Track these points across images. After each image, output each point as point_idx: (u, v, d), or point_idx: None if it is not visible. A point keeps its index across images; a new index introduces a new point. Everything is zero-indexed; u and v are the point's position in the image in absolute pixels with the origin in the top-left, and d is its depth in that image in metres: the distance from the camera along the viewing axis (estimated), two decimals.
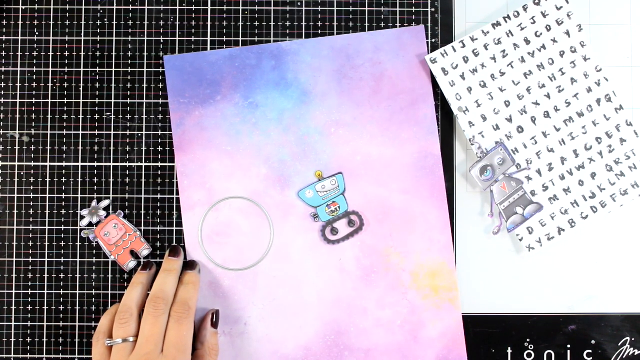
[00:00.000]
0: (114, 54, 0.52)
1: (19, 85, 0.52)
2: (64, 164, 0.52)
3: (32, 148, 0.52)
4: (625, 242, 0.53)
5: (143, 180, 0.52)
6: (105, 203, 0.52)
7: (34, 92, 0.52)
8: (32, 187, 0.52)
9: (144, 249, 0.52)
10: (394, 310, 0.52)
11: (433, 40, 0.53)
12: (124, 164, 0.52)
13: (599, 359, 0.52)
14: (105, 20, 0.52)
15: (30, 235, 0.52)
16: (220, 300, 0.51)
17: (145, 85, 0.52)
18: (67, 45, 0.52)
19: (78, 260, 0.52)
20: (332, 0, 0.53)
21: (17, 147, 0.52)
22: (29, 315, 0.51)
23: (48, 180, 0.52)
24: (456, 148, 0.53)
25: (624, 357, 0.52)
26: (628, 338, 0.52)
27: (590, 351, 0.52)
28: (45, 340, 0.51)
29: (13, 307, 0.51)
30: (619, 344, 0.52)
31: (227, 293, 0.51)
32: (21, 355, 0.51)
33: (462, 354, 0.52)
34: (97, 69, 0.52)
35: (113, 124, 0.52)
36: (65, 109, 0.52)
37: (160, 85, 0.52)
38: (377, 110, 0.52)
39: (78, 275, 0.52)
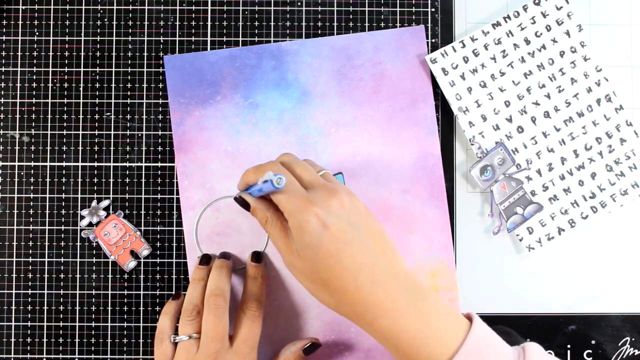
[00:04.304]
0: (114, 54, 0.52)
1: (19, 85, 0.52)
2: (64, 164, 0.52)
3: (32, 148, 0.52)
4: (625, 242, 0.52)
5: (143, 180, 0.52)
6: (105, 203, 0.52)
7: (34, 92, 0.52)
8: (32, 187, 0.52)
9: (144, 249, 0.52)
10: None
11: (433, 40, 0.53)
12: (124, 164, 0.52)
13: (599, 359, 0.52)
14: (105, 20, 0.52)
15: (30, 235, 0.52)
16: None
17: (145, 85, 0.52)
18: (67, 45, 0.52)
19: (78, 260, 0.52)
20: (332, 0, 0.53)
21: (17, 147, 0.52)
22: (29, 315, 0.51)
23: (48, 180, 0.52)
24: (456, 148, 0.53)
25: (624, 357, 0.52)
26: (628, 338, 0.52)
27: (590, 351, 0.52)
28: (45, 340, 0.51)
29: (13, 307, 0.51)
30: (619, 344, 0.52)
31: None
32: (21, 355, 0.51)
33: None
34: (97, 69, 0.52)
35: (113, 124, 0.52)
36: (65, 109, 0.52)
37: (160, 85, 0.52)
38: (377, 110, 0.52)
39: (78, 275, 0.52)
